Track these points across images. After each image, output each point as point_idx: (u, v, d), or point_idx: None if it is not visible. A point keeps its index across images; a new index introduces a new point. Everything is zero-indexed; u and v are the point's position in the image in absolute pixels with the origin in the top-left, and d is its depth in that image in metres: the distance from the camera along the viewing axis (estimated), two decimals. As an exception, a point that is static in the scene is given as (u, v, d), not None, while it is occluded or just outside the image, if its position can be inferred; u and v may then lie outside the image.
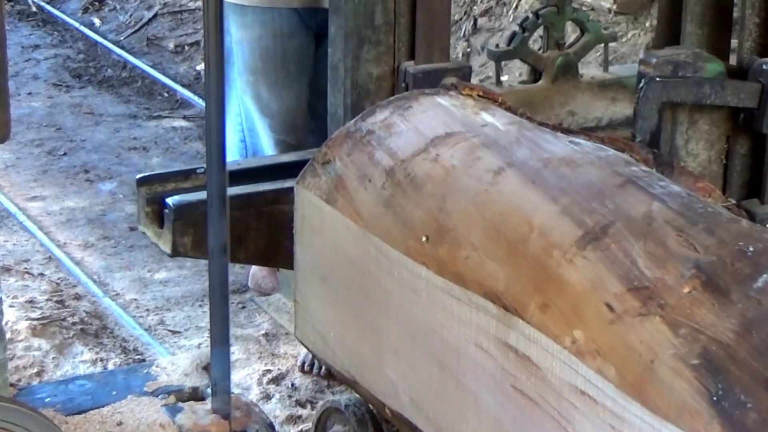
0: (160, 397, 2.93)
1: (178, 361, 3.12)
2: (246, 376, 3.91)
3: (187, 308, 4.53)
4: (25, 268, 4.76)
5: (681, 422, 1.71)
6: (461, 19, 6.52)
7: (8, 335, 3.83)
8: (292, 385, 3.82)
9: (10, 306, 4.17)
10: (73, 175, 5.92)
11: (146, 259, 4.93)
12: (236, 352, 3.94)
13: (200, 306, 4.49)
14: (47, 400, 2.93)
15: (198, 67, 7.27)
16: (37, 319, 4.13)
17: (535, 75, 3.71)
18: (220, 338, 2.81)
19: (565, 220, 2.02)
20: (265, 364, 3.98)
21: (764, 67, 2.45)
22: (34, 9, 8.84)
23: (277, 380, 3.85)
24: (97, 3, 8.85)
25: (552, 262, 1.98)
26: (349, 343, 2.48)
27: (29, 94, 7.10)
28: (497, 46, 3.76)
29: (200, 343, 4.17)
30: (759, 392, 1.66)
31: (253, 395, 3.77)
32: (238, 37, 4.31)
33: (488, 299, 2.04)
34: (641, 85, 2.42)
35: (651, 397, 1.76)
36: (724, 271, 1.82)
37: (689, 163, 2.52)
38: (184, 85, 7.15)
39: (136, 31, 8.17)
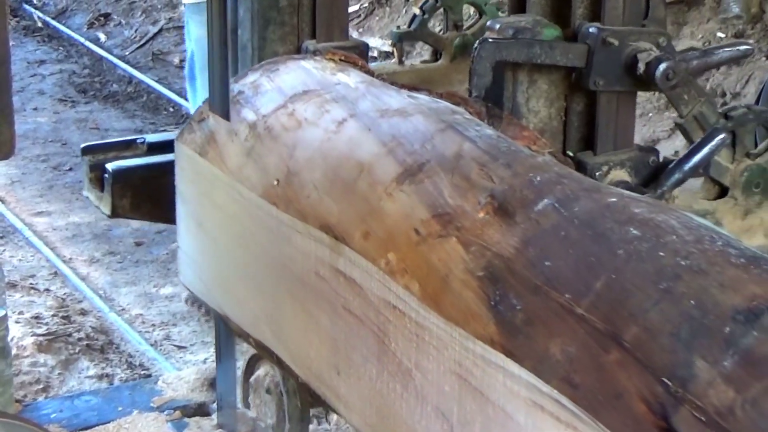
0: (165, 412, 3.06)
1: (184, 377, 3.26)
2: (251, 392, 4.02)
3: (193, 323, 4.59)
4: (31, 284, 4.81)
5: (467, 326, 1.96)
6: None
7: (14, 351, 3.86)
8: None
9: (16, 322, 4.22)
10: (79, 190, 5.87)
11: (152, 274, 5.00)
12: (242, 367, 4.03)
13: (206, 321, 4.49)
14: (53, 416, 3.04)
15: (202, 82, 7.40)
16: (43, 335, 4.18)
17: (436, 55, 3.98)
18: (226, 353, 2.93)
19: (389, 160, 2.28)
20: (271, 379, 4.08)
21: (590, 30, 2.70)
22: (39, 24, 8.89)
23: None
24: (102, 18, 8.95)
25: (375, 196, 2.23)
26: (222, 282, 2.73)
27: (35, 109, 7.17)
28: (398, 27, 4.01)
29: (206, 359, 4.20)
30: (528, 297, 1.91)
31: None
32: (199, 35, 4.55)
33: (323, 231, 2.29)
34: (475, 45, 2.67)
35: (445, 307, 2.01)
36: (513, 197, 2.07)
37: (531, 119, 2.76)
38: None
39: (141, 46, 8.26)
